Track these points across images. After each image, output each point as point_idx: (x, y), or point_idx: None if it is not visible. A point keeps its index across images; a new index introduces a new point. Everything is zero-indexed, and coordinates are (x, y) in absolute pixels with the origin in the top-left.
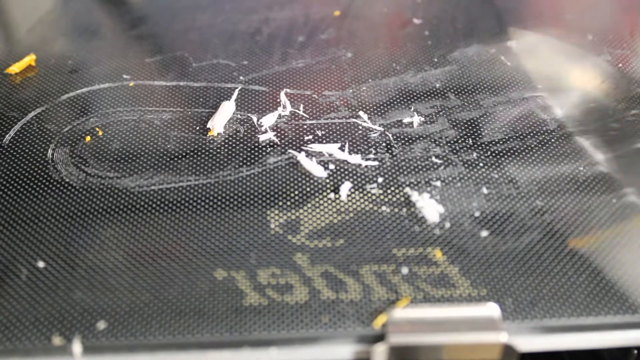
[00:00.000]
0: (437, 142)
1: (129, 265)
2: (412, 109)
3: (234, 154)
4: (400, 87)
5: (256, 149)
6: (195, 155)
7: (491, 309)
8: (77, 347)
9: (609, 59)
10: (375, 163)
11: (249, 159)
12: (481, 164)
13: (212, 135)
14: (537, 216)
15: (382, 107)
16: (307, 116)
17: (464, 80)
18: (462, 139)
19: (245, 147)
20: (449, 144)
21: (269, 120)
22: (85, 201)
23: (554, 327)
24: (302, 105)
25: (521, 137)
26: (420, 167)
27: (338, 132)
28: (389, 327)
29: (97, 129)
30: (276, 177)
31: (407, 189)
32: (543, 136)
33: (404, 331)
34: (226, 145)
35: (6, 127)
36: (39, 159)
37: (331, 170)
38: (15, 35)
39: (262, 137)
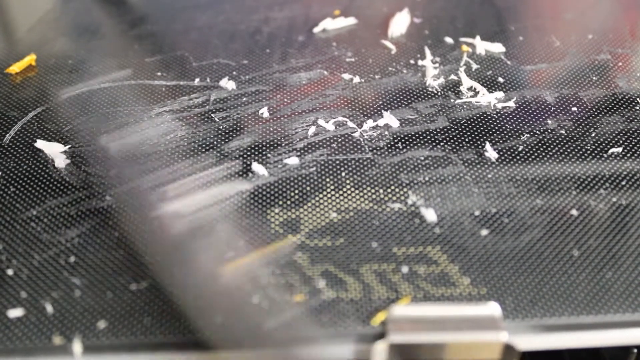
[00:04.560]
0: (436, 141)
1: (129, 264)
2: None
3: (234, 153)
4: (400, 86)
5: (256, 148)
6: (195, 155)
7: (491, 308)
8: (77, 346)
9: (609, 58)
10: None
11: (249, 157)
12: (481, 163)
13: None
14: (537, 215)
15: (381, 106)
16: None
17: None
18: (462, 138)
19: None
20: (448, 143)
21: None
22: (86, 200)
23: (554, 325)
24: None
25: (521, 135)
26: (420, 165)
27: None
28: (389, 326)
29: None
30: (276, 176)
31: (407, 188)
32: (543, 135)
33: (404, 330)
34: (226, 144)
35: (6, 126)
36: (39, 159)
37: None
38: (16, 35)
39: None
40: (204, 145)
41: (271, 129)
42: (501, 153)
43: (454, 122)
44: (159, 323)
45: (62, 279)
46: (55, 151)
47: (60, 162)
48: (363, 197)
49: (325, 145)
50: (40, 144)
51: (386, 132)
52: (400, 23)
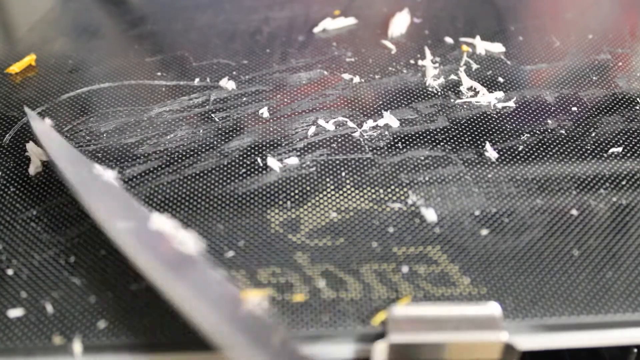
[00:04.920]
0: (436, 141)
1: (129, 264)
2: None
3: (234, 153)
4: (400, 86)
5: (256, 148)
6: (196, 154)
7: (492, 308)
8: (77, 346)
9: (609, 58)
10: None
11: (249, 157)
12: (481, 163)
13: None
14: (537, 215)
15: (381, 106)
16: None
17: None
18: (462, 138)
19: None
20: (448, 143)
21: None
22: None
23: (554, 325)
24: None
25: (521, 135)
26: (420, 165)
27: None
28: (389, 326)
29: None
30: (276, 176)
31: (407, 188)
32: (543, 135)
33: (404, 329)
34: (226, 144)
35: (6, 126)
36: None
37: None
38: (16, 34)
39: None
40: (204, 145)
41: (271, 129)
42: (501, 153)
43: (454, 122)
44: (159, 323)
45: (62, 279)
46: (36, 153)
47: (33, 168)
48: (363, 197)
49: (325, 145)
50: (30, 146)
51: (386, 132)
52: (400, 23)
